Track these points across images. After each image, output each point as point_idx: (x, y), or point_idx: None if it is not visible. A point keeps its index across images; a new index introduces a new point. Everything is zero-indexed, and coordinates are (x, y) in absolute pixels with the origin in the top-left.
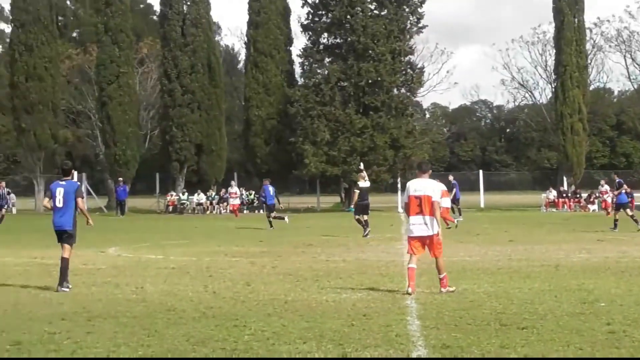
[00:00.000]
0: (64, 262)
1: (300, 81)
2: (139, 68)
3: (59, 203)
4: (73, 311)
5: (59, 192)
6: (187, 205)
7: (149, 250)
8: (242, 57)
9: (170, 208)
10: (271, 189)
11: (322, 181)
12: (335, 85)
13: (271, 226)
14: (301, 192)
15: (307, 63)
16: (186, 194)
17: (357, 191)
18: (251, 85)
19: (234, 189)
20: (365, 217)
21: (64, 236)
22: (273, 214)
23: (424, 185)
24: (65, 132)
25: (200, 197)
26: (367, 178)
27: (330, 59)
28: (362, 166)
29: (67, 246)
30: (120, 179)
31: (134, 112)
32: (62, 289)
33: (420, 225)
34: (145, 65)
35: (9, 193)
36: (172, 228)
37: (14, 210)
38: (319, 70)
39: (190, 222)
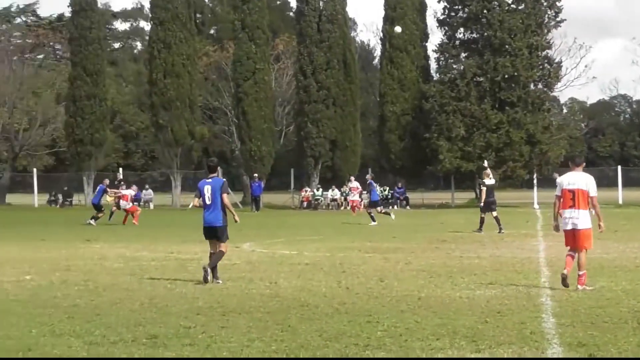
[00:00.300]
0: (220, 254)
1: (436, 77)
2: (274, 64)
3: (208, 200)
4: (208, 306)
5: (207, 190)
6: (322, 201)
7: (283, 246)
8: (377, 52)
9: (305, 204)
10: (376, 186)
11: (456, 177)
12: (471, 81)
13: (373, 221)
14: (435, 188)
15: (442, 58)
16: (320, 189)
17: (484, 188)
18: (386, 81)
19: (354, 183)
20: (494, 213)
21: (216, 233)
22: (380, 209)
23: (578, 179)
24: (202, 128)
25: (334, 193)
26: (492, 176)
27: (466, 54)
28: (486, 164)
29: (221, 244)
30: (256, 175)
31: (269, 108)
32: (208, 276)
33: (573, 219)
34: (281, 62)
35: (147, 189)
36: (306, 224)
37: (151, 206)
38: (454, 66)
39: (324, 217)
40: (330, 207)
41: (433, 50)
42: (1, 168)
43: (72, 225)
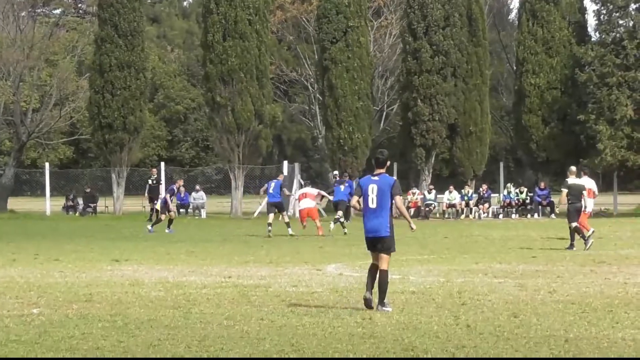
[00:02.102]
0: (383, 275)
1: (595, 36)
2: (374, 21)
3: (372, 203)
4: (278, 349)
5: (372, 190)
6: (435, 206)
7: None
8: (514, 4)
9: (412, 211)
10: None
11: (621, 174)
12: None
13: None
14: None
15: (604, 11)
16: (433, 191)
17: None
18: (526, 42)
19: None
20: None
21: (379, 245)
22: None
23: None
24: (274, 107)
25: (452, 195)
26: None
27: (637, 5)
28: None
29: (384, 256)
30: (346, 172)
31: (365, 81)
32: (384, 308)
33: None
34: (382, 17)
35: (197, 191)
36: (413, 238)
37: (204, 214)
38: (621, 21)
39: (438, 229)
40: (446, 215)
41: (592, 0)
42: (2, 162)
43: (96, 240)
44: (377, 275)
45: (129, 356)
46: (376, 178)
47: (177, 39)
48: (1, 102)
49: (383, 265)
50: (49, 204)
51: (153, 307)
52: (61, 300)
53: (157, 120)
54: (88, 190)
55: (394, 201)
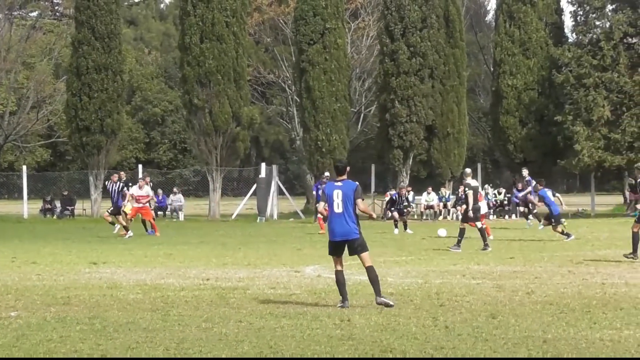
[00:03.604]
0: (372, 271)
1: (572, 38)
2: (351, 23)
3: (338, 208)
4: (256, 352)
5: (337, 195)
6: (413, 208)
7: (359, 270)
8: (491, 5)
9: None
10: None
11: (598, 175)
12: (620, 43)
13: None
14: (569, 189)
15: (581, 12)
16: (411, 193)
17: (470, 192)
18: (503, 43)
19: None
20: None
21: (354, 246)
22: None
23: None
24: (251, 109)
25: (430, 197)
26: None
27: (613, 6)
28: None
29: (364, 255)
30: (326, 174)
31: (343, 83)
32: (384, 299)
33: None
34: (359, 19)
35: (175, 193)
36: (392, 239)
37: (181, 216)
38: (597, 22)
39: (416, 230)
40: (425, 217)
41: (568, 1)
42: None
43: (74, 243)
44: (367, 273)
45: (108, 357)
46: (339, 184)
47: (154, 41)
48: None
49: (368, 263)
50: (27, 207)
51: (131, 309)
52: (39, 303)
53: (135, 123)
54: (66, 193)
55: (356, 205)
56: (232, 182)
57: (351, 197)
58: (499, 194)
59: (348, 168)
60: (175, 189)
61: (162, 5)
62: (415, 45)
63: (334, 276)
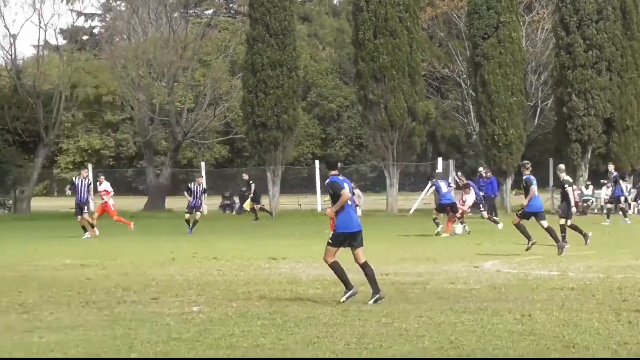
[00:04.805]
0: (368, 266)
1: None
2: (525, 16)
3: (351, 201)
4: (437, 347)
5: (348, 188)
6: (593, 202)
7: (540, 265)
8: None
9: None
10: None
11: None
12: None
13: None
14: None
15: None
16: (591, 187)
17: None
18: None
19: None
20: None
21: (359, 238)
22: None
23: None
24: (427, 104)
25: (610, 191)
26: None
27: None
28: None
29: (361, 250)
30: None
31: (518, 76)
32: (380, 296)
33: None
34: (534, 12)
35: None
36: (571, 234)
37: (359, 212)
38: None
39: (596, 225)
40: (604, 211)
41: None
42: (159, 162)
43: (253, 238)
44: (365, 270)
45: (287, 354)
46: (342, 178)
47: (328, 37)
48: (157, 102)
49: (363, 259)
50: (205, 203)
51: (311, 304)
52: (220, 298)
53: (311, 119)
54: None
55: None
56: (409, 177)
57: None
58: None
59: (339, 164)
60: (353, 184)
61: (335, 1)
62: (591, 37)
63: (514, 271)
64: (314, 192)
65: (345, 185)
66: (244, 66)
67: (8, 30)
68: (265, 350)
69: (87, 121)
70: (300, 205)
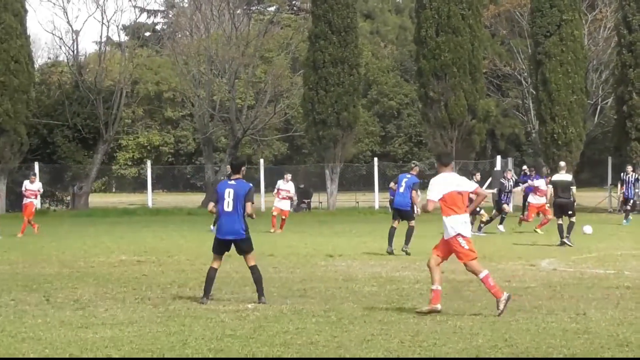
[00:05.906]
0: (256, 270)
1: None
2: (588, 14)
3: (227, 207)
4: (491, 345)
5: (228, 194)
6: None
7: (596, 263)
8: None
9: (629, 206)
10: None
11: None
12: None
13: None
14: None
15: None
16: None
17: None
18: None
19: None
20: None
21: (241, 246)
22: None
23: None
24: (487, 102)
25: None
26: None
27: None
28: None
29: (250, 255)
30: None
31: (580, 75)
32: (264, 300)
33: None
34: (597, 10)
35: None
36: (629, 232)
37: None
38: None
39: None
40: None
41: None
42: (218, 159)
43: (310, 236)
44: (252, 273)
45: (341, 351)
46: (233, 183)
47: (390, 35)
48: (217, 99)
49: (252, 262)
50: (264, 200)
51: (366, 302)
52: (275, 295)
53: (371, 116)
54: (302, 186)
55: (245, 207)
56: (468, 175)
57: (242, 198)
58: None
59: (244, 168)
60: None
61: None
62: None
63: (570, 269)
64: (372, 189)
65: (226, 191)
66: (306, 63)
67: (71, 26)
68: (319, 347)
69: (147, 117)
70: (357, 202)
